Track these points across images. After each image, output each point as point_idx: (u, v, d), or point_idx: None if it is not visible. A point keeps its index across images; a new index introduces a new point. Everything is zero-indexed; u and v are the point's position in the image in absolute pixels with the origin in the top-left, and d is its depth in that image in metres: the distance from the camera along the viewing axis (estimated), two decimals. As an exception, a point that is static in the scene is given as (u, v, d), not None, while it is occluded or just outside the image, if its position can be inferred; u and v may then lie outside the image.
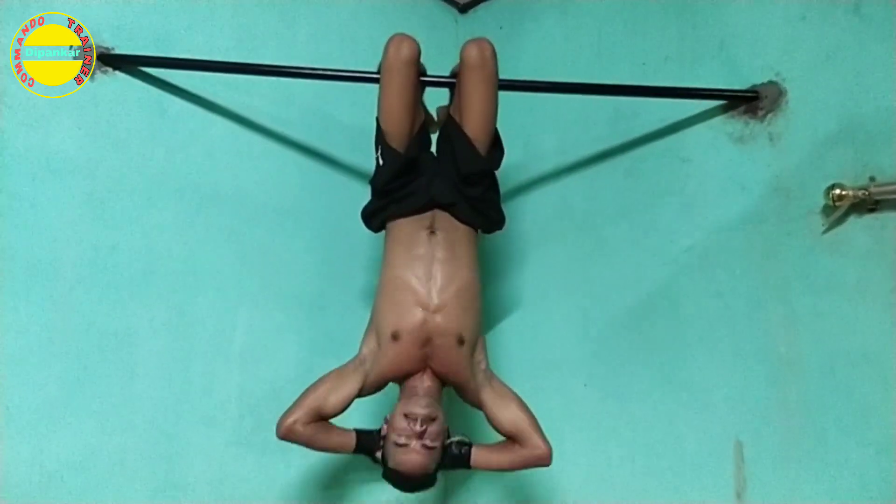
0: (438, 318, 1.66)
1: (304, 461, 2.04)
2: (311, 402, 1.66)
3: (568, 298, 2.15)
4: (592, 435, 2.03)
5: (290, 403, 1.79)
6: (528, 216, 1.82)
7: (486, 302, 1.88)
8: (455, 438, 1.69)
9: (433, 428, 1.60)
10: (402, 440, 1.59)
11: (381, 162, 1.74)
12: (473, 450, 1.69)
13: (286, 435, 1.64)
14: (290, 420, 1.64)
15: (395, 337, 1.66)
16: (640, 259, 2.00)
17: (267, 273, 2.03)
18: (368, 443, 1.68)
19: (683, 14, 2.00)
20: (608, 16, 2.19)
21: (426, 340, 1.66)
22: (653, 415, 1.91)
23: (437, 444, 1.62)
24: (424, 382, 1.69)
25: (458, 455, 1.68)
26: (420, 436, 1.58)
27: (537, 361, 2.20)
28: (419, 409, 1.60)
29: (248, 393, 1.97)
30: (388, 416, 1.65)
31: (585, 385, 2.07)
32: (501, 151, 1.82)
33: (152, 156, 1.84)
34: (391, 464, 1.63)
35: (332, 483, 2.10)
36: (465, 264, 1.74)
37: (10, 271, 1.60)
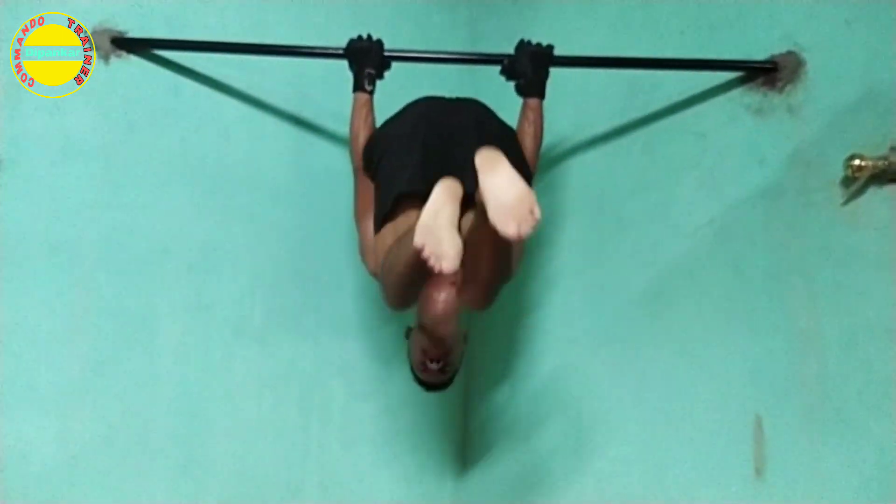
0: None
1: (323, 437, 2.07)
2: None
3: (586, 274, 2.14)
4: (610, 412, 2.03)
5: (309, 383, 1.77)
6: (544, 193, 1.82)
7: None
8: None
9: (452, 357, 1.64)
10: (421, 368, 1.65)
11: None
12: None
13: None
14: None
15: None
16: (659, 234, 1.98)
17: (283, 253, 2.05)
18: None
19: (699, -16, 1.95)
20: (623, -12, 2.15)
21: None
22: (672, 390, 1.90)
23: (456, 366, 1.68)
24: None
25: None
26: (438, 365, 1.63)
27: (555, 338, 2.20)
28: (434, 350, 1.61)
29: (268, 371, 1.99)
30: (411, 329, 1.68)
31: (603, 362, 2.06)
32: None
33: (167, 138, 1.86)
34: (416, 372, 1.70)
35: (351, 461, 2.12)
36: None
37: (30, 254, 1.63)
